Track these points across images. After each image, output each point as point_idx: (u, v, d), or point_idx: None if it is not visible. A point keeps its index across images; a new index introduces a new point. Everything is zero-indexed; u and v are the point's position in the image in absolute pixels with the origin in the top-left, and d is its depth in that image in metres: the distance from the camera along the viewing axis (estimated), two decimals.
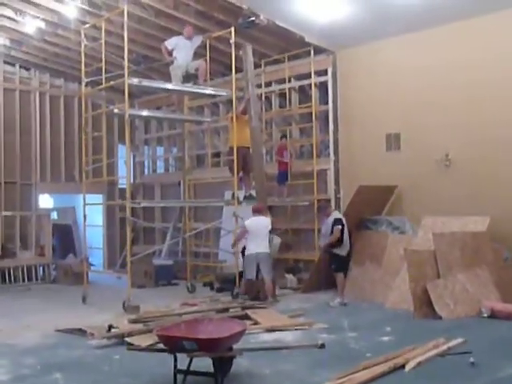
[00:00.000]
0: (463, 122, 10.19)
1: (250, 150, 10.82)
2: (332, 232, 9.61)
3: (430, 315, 8.34)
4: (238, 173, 10.82)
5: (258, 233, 9.81)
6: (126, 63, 9.57)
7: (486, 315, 8.28)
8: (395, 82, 11.08)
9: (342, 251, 9.71)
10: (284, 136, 12.39)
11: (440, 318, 8.25)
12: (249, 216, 11.91)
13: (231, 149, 10.81)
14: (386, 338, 7.28)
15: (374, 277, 10.13)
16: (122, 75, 9.72)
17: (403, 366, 5.86)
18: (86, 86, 10.99)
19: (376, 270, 10.17)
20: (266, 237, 9.81)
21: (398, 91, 11.04)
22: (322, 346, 6.79)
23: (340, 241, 9.63)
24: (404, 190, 10.97)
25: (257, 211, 10.08)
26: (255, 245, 9.74)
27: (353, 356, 6.47)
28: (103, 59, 10.21)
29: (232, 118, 10.84)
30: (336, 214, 9.92)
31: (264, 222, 9.94)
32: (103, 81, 10.26)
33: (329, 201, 11.59)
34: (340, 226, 9.62)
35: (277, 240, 10.59)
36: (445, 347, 6.40)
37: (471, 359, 5.98)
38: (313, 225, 11.70)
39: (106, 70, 10.25)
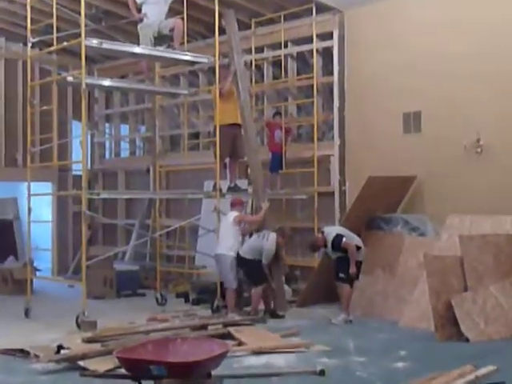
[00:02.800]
0: (500, 98, 10.21)
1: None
2: (340, 250, 9.64)
3: (455, 336, 8.35)
4: (223, 158, 10.80)
5: (222, 230, 10.29)
6: (82, 19, 9.47)
7: None
8: (416, 48, 11.07)
9: (359, 256, 9.74)
10: (278, 113, 12.36)
11: (467, 340, 8.26)
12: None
13: (216, 128, 10.80)
14: (400, 364, 7.28)
15: (387, 288, 10.14)
16: (78, 35, 9.62)
17: None
18: (33, 47, 10.91)
19: (389, 281, 10.19)
20: (228, 234, 10.16)
21: (419, 59, 11.03)
22: (322, 372, 6.78)
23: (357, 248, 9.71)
24: (425, 181, 10.99)
25: (231, 206, 10.61)
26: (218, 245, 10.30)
27: None
28: (54, 14, 10.10)
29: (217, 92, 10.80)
30: (329, 232, 9.86)
31: (228, 219, 10.32)
32: (54, 41, 10.16)
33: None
34: (345, 238, 9.66)
35: (271, 238, 10.15)
36: (473, 376, 6.40)
37: None
38: (312, 223, 11.72)
39: (57, 27, 10.16)
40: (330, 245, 9.74)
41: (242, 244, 10.23)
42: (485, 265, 8.88)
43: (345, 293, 9.72)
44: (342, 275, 9.70)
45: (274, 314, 10.03)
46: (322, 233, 9.98)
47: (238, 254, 10.01)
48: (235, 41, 11.33)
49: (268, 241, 9.96)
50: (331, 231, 9.87)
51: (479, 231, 9.37)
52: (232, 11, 11.37)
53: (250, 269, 9.99)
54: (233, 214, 10.29)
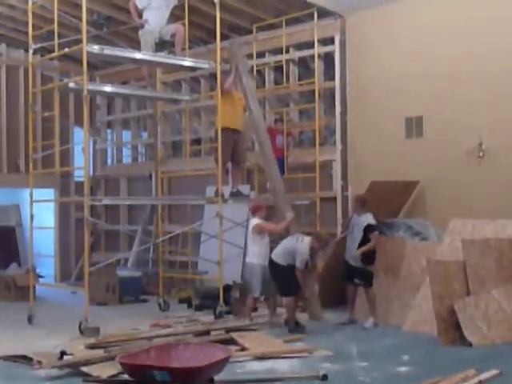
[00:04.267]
0: (502, 102, 10.24)
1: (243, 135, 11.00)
2: (365, 238, 9.64)
3: (458, 341, 8.35)
4: (224, 163, 10.83)
5: (248, 237, 10.01)
6: (84, 26, 9.51)
7: None
8: (417, 53, 11.11)
9: (371, 263, 9.81)
10: (279, 119, 12.39)
11: (470, 344, 8.26)
12: (237, 217, 11.95)
13: (218, 132, 10.84)
14: (403, 369, 7.28)
15: (389, 293, 10.14)
16: (80, 41, 9.65)
17: None
18: (35, 53, 10.94)
19: (391, 285, 10.19)
20: (253, 242, 9.92)
21: (421, 64, 11.07)
22: (325, 377, 6.78)
23: (374, 252, 9.72)
24: (427, 186, 11.01)
25: (251, 212, 10.31)
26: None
27: None
28: (55, 20, 10.12)
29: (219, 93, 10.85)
30: (370, 217, 9.82)
31: (250, 226, 10.10)
32: (55, 47, 10.18)
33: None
34: (377, 232, 9.72)
35: (306, 241, 9.55)
36: (475, 380, 6.41)
37: None
38: (315, 228, 11.71)
39: (59, 34, 10.18)
40: (360, 222, 9.67)
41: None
42: (487, 269, 8.89)
43: (371, 298, 9.79)
44: (360, 281, 9.79)
45: (297, 326, 9.46)
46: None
47: (270, 258, 9.65)
48: (242, 65, 11.57)
49: (302, 243, 9.44)
50: (371, 219, 9.73)
51: (481, 235, 9.37)
52: (237, 40, 11.77)
53: (282, 276, 9.48)
54: (254, 222, 9.97)
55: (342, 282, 9.99)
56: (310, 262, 9.54)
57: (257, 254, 9.84)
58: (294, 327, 9.35)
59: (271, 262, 9.61)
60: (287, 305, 9.55)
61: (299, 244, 9.44)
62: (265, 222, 10.01)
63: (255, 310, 10.39)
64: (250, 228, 9.99)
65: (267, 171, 11.33)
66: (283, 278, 9.47)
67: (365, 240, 9.67)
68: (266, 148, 11.24)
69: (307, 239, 9.48)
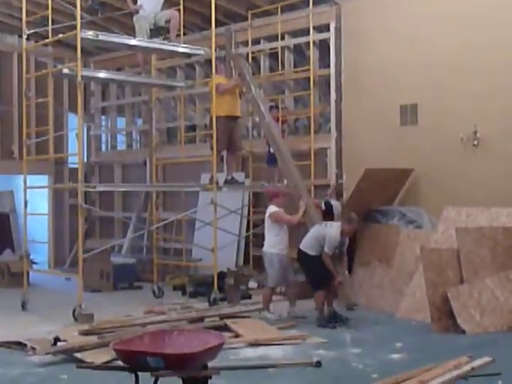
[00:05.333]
0: (497, 90, 10.24)
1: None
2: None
3: (451, 328, 8.40)
4: (220, 151, 10.80)
5: (267, 227, 9.63)
6: (78, 11, 9.46)
7: None
8: (413, 41, 11.09)
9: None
10: (275, 106, 12.37)
11: (463, 331, 8.31)
12: (231, 204, 11.94)
13: (216, 118, 10.84)
14: (396, 356, 7.32)
15: (383, 281, 10.18)
16: (74, 27, 9.61)
17: None
18: (28, 39, 10.88)
19: (385, 273, 10.23)
20: (270, 230, 9.54)
21: (416, 52, 11.06)
22: (318, 364, 6.82)
23: None
24: (421, 174, 11.02)
25: (269, 199, 9.93)
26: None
27: (355, 377, 6.50)
28: (50, 6, 10.07)
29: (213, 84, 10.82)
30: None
31: (267, 213, 9.67)
32: (49, 33, 10.15)
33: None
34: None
35: (335, 225, 9.17)
36: (468, 367, 6.42)
37: (500, 382, 6.03)
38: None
39: (53, 19, 10.14)
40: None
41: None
42: (481, 257, 8.92)
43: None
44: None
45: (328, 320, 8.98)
46: None
47: (298, 249, 9.18)
48: (249, 77, 11.58)
49: (332, 228, 9.01)
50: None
51: (475, 224, 9.40)
52: (242, 57, 11.89)
53: (313, 267, 9.01)
54: (270, 209, 9.57)
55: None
56: (340, 247, 9.11)
57: (274, 243, 9.47)
58: (325, 322, 8.88)
59: (300, 253, 9.17)
60: (318, 298, 9.01)
61: (329, 229, 9.00)
62: (281, 212, 9.54)
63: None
64: (266, 215, 9.63)
65: (285, 171, 11.02)
66: (314, 270, 9.00)
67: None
68: (282, 150, 11.04)
69: (336, 223, 9.13)
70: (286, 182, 11.30)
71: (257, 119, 12.99)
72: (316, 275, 9.00)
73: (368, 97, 11.68)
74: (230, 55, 11.80)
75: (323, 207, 10.62)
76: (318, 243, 8.96)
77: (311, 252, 9.01)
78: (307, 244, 9.09)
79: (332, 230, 8.94)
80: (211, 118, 10.86)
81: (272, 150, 11.45)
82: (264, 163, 12.06)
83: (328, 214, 10.35)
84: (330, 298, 9.12)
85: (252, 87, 11.41)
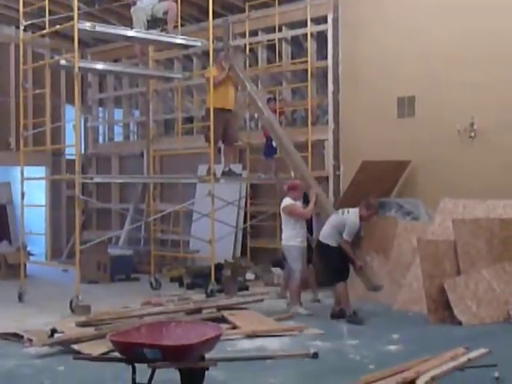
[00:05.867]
0: (494, 82, 10.23)
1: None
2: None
3: (448, 320, 8.41)
4: (216, 142, 10.79)
5: (283, 220, 9.44)
6: (75, 2, 9.42)
7: None
8: (411, 32, 11.07)
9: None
10: (272, 98, 12.34)
11: (460, 323, 8.32)
12: (228, 196, 11.92)
13: (208, 111, 10.79)
14: (393, 347, 7.34)
15: (380, 272, 10.16)
16: (71, 18, 9.57)
17: (413, 382, 5.90)
18: (25, 30, 10.83)
19: (382, 264, 10.22)
20: (286, 224, 9.33)
21: (413, 43, 11.03)
22: (315, 355, 6.83)
23: None
24: (418, 166, 11.01)
25: (285, 191, 9.60)
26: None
27: (352, 368, 6.50)
28: None
29: (209, 77, 10.77)
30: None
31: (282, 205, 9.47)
32: (47, 24, 10.11)
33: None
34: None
35: (353, 211, 8.98)
36: (465, 359, 6.43)
37: (496, 373, 6.03)
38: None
39: (50, 10, 10.11)
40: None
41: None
42: (477, 249, 8.92)
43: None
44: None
45: (353, 316, 8.75)
46: None
47: (318, 240, 9.10)
48: (242, 72, 11.50)
49: (350, 214, 8.87)
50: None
51: (472, 215, 9.40)
52: (236, 51, 11.86)
53: (334, 258, 8.85)
54: (285, 202, 9.36)
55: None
56: (358, 232, 8.94)
57: (293, 235, 9.23)
58: (353, 317, 8.64)
59: (319, 245, 9.05)
60: (341, 291, 8.81)
61: (346, 216, 8.86)
62: (296, 205, 9.34)
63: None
64: (281, 208, 9.43)
65: (290, 163, 10.88)
66: (335, 261, 8.85)
67: None
68: (285, 143, 10.97)
69: (353, 210, 8.91)
70: (292, 173, 11.19)
71: (253, 111, 13.02)
72: (338, 266, 8.85)
73: (365, 88, 11.66)
74: (226, 49, 11.74)
75: None
76: (338, 232, 8.82)
77: (332, 243, 8.86)
78: (327, 235, 8.95)
79: (351, 217, 8.81)
80: (206, 110, 10.84)
81: (274, 144, 11.43)
82: (261, 155, 12.03)
83: None
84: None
85: (247, 84, 11.34)
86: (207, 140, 10.82)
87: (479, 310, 8.50)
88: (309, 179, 10.46)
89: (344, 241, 8.75)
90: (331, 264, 8.93)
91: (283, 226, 9.42)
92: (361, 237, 9.14)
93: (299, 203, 9.45)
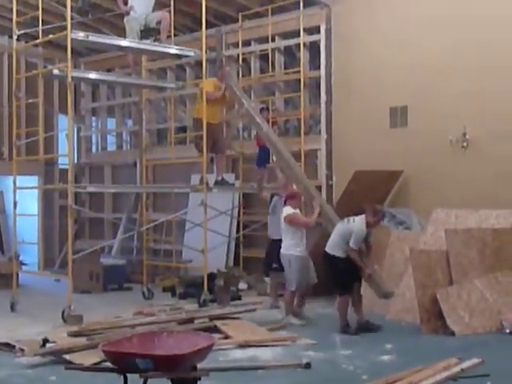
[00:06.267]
0: (486, 92, 10.26)
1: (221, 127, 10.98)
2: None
3: (441, 330, 8.40)
4: (206, 153, 10.79)
5: (284, 229, 9.37)
6: (68, 12, 9.42)
7: (508, 330, 8.35)
8: (403, 43, 11.12)
9: None
10: (265, 108, 12.35)
11: (452, 333, 8.30)
12: (221, 205, 11.90)
13: (196, 121, 10.80)
14: (386, 357, 7.32)
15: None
16: (64, 27, 9.57)
17: None
18: (18, 40, 10.82)
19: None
20: (286, 233, 9.30)
21: (405, 54, 11.08)
22: (308, 365, 6.81)
23: None
24: (411, 176, 11.03)
25: (285, 199, 9.60)
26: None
27: (345, 378, 6.49)
28: (40, 6, 10.05)
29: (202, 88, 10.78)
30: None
31: (283, 215, 9.40)
32: (40, 34, 10.11)
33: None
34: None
35: (359, 218, 8.77)
36: (458, 369, 6.44)
37: (488, 383, 6.02)
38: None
39: (43, 20, 10.10)
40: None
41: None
42: (470, 259, 8.93)
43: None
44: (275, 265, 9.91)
45: (367, 326, 8.72)
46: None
47: (324, 252, 8.82)
48: (239, 90, 11.43)
49: (356, 222, 8.65)
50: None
51: (464, 225, 9.41)
52: (231, 68, 11.80)
53: (340, 270, 8.65)
54: (286, 211, 9.31)
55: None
56: (365, 240, 8.75)
57: (292, 244, 9.21)
58: (348, 328, 8.61)
59: (326, 256, 8.79)
60: (342, 303, 8.69)
61: (352, 224, 8.65)
62: (297, 214, 9.34)
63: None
64: (282, 217, 9.36)
65: (294, 178, 10.64)
66: (341, 272, 8.64)
67: None
68: (285, 156, 10.85)
69: (360, 217, 8.68)
70: (294, 186, 11.14)
71: (246, 120, 13.02)
72: (343, 278, 8.65)
73: (358, 99, 11.69)
74: (222, 67, 11.75)
75: None
76: (345, 241, 8.61)
77: (339, 253, 8.66)
78: (334, 245, 8.75)
79: (357, 224, 8.61)
80: (194, 120, 10.99)
81: (267, 154, 11.40)
82: (253, 165, 12.03)
83: None
84: (359, 306, 8.89)
85: (244, 101, 11.31)
86: (198, 150, 10.84)
87: (472, 320, 8.49)
88: (312, 191, 10.37)
89: (351, 249, 8.54)
90: (337, 275, 8.74)
91: (283, 235, 9.36)
92: (369, 245, 8.92)
93: (299, 212, 9.42)
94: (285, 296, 9.40)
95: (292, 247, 9.20)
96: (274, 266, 10.22)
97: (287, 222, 9.23)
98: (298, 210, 9.40)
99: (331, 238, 8.88)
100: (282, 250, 9.36)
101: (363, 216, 8.69)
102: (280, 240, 10.10)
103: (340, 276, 8.68)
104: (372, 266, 9.00)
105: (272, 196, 10.98)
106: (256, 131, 12.39)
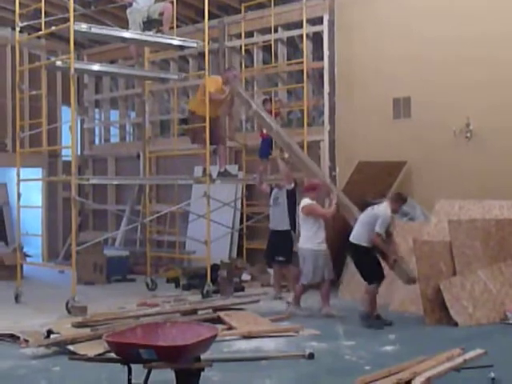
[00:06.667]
0: (489, 83, 10.22)
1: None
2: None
3: (444, 320, 8.41)
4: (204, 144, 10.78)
5: (301, 221, 9.29)
6: (71, 4, 9.41)
7: (511, 321, 8.35)
8: (406, 34, 11.07)
9: None
10: (268, 99, 12.33)
11: (456, 324, 8.31)
12: (224, 197, 11.90)
13: (191, 113, 10.81)
14: (389, 348, 7.33)
15: None
16: (67, 19, 9.56)
17: (409, 383, 5.89)
18: (21, 31, 10.81)
19: None
20: (303, 225, 9.16)
21: (409, 45, 11.03)
22: (311, 356, 6.81)
23: None
24: (414, 167, 11.01)
25: (303, 191, 9.51)
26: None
27: (348, 369, 6.50)
28: None
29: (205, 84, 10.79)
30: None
31: (300, 206, 9.28)
32: (42, 26, 10.10)
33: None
34: None
35: (383, 205, 8.68)
36: (461, 359, 6.43)
37: (492, 374, 6.01)
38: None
39: (46, 12, 10.09)
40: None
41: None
42: (473, 250, 8.92)
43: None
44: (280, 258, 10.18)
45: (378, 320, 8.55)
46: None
47: (350, 242, 8.67)
48: (245, 93, 11.51)
49: (380, 207, 8.58)
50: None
51: (468, 216, 9.40)
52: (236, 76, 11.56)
53: (367, 260, 8.59)
54: (304, 202, 9.18)
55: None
56: (388, 226, 8.61)
57: (309, 237, 9.06)
58: (374, 322, 8.41)
59: (352, 246, 8.70)
60: (371, 293, 8.55)
61: (377, 210, 8.57)
62: (315, 205, 9.19)
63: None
64: (300, 208, 9.26)
65: (311, 173, 10.44)
66: (369, 262, 8.58)
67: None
68: (299, 154, 10.75)
69: (383, 204, 8.64)
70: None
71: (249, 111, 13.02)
72: (372, 267, 8.59)
73: (361, 90, 11.65)
74: (227, 69, 11.78)
75: None
76: (371, 229, 8.46)
77: (364, 242, 8.54)
78: (359, 235, 8.62)
79: (382, 209, 8.51)
80: (189, 112, 11.22)
81: (287, 155, 11.31)
82: (256, 156, 12.02)
83: None
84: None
85: (252, 103, 11.28)
86: (192, 142, 11.01)
87: (475, 310, 8.48)
88: (330, 185, 10.24)
89: (376, 234, 8.38)
90: (364, 266, 8.66)
91: (301, 228, 9.26)
92: (390, 233, 8.79)
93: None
94: (296, 288, 9.33)
95: (309, 240, 9.04)
96: (279, 258, 10.23)
97: (305, 212, 9.09)
98: (314, 202, 9.21)
99: (356, 228, 8.75)
100: (299, 244, 9.24)
101: (386, 203, 8.64)
102: (282, 231, 10.11)
103: (369, 265, 8.61)
104: (395, 252, 8.83)
105: (272, 188, 10.96)
106: (258, 123, 12.43)
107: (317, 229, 9.07)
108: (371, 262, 8.60)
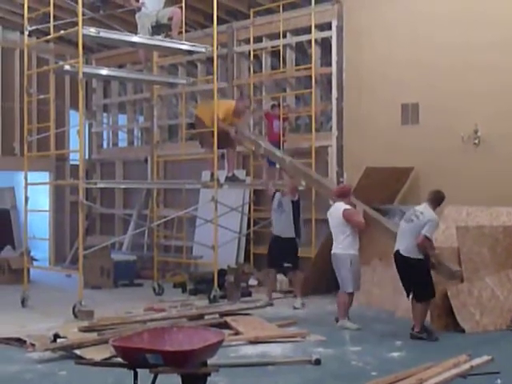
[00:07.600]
0: (497, 89, 10.22)
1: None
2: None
3: (451, 327, 8.41)
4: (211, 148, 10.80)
5: (332, 226, 8.96)
6: (80, 8, 9.46)
7: None
8: (415, 40, 11.08)
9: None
10: (276, 105, 12.36)
11: (463, 330, 8.32)
12: (232, 202, 11.91)
13: (197, 119, 10.84)
14: (395, 354, 7.33)
15: (384, 279, 10.15)
16: (76, 23, 9.61)
17: None
18: (30, 35, 10.85)
19: (386, 271, 10.19)
20: (339, 231, 8.81)
21: (417, 51, 11.04)
22: (317, 361, 6.82)
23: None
24: (422, 173, 11.00)
25: (335, 195, 9.25)
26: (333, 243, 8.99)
27: (354, 375, 6.51)
28: (51, 2, 10.07)
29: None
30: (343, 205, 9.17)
31: (337, 212, 8.90)
32: (51, 30, 10.14)
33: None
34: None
35: (425, 207, 8.36)
36: (467, 366, 6.42)
37: (498, 381, 6.04)
38: (309, 214, 11.71)
39: (54, 16, 10.14)
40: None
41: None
42: (481, 256, 8.91)
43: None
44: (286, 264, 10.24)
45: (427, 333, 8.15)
46: None
47: (400, 255, 8.22)
48: (254, 136, 11.97)
49: (424, 212, 8.18)
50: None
51: (476, 222, 9.40)
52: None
53: (420, 274, 8.14)
54: (341, 206, 8.84)
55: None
56: None
57: (347, 243, 8.72)
58: (430, 335, 8.08)
59: (402, 259, 8.22)
60: (422, 310, 8.17)
61: (422, 216, 8.14)
62: (354, 210, 8.92)
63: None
64: (338, 213, 8.81)
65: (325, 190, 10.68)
66: (422, 276, 8.15)
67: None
68: (315, 176, 10.99)
69: (423, 207, 8.29)
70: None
71: (257, 117, 13.06)
72: (425, 282, 8.14)
73: (369, 95, 11.67)
74: (240, 98, 12.02)
75: None
76: (417, 235, 8.09)
77: (416, 255, 8.12)
78: (409, 245, 8.16)
79: (427, 213, 8.14)
80: (196, 118, 11.29)
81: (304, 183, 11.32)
82: (265, 161, 12.03)
83: None
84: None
85: (260, 142, 11.49)
86: (201, 146, 11.05)
87: (482, 317, 8.48)
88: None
89: (424, 237, 7.99)
90: (417, 281, 8.19)
91: (335, 233, 8.88)
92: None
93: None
94: (339, 298, 8.83)
95: (349, 246, 8.72)
96: (287, 264, 10.22)
97: (347, 216, 8.70)
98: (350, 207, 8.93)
99: (402, 239, 8.30)
100: (334, 250, 8.83)
101: (426, 204, 8.30)
102: (288, 239, 10.11)
103: (422, 280, 8.15)
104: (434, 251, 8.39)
105: (275, 191, 10.90)
106: (266, 127, 12.47)
107: (354, 234, 8.78)
108: (426, 276, 8.15)
